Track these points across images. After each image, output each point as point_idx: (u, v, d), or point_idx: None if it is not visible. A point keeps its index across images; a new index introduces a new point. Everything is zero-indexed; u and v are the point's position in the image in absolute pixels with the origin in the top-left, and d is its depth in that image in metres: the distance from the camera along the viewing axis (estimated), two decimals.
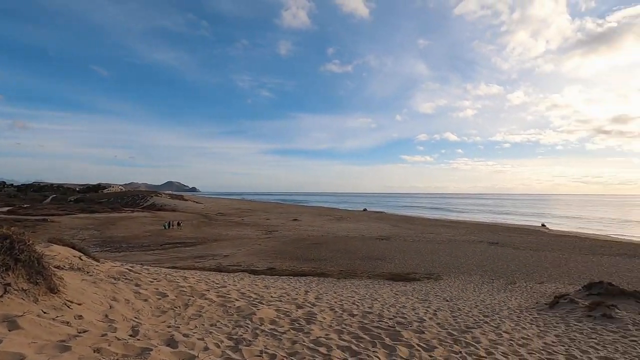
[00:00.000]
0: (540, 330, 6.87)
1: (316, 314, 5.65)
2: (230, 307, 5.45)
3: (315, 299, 7.88)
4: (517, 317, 8.39)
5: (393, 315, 6.68)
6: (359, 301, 8.67)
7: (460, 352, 4.44)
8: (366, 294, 11.05)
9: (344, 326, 5.05)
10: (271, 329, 4.62)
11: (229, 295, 6.18)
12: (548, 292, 15.13)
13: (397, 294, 11.78)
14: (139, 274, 6.43)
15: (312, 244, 32.76)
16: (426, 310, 8.16)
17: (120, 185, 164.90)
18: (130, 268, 6.78)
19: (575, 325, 7.56)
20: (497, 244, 35.70)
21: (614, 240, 40.81)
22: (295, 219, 61.03)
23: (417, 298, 11.15)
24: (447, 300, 11.04)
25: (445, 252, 30.22)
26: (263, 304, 6.03)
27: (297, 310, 5.80)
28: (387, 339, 4.60)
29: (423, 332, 5.31)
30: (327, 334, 4.63)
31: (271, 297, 6.99)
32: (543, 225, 62.42)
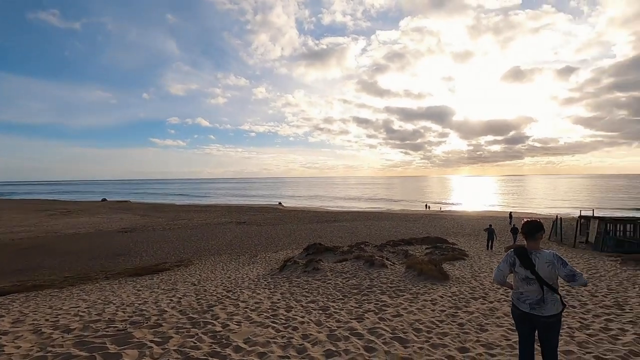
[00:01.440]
0: (271, 292, 8.05)
1: (3, 347, 4.11)
2: None
3: (12, 324, 5.81)
4: (255, 285, 9.49)
5: (128, 316, 5.91)
6: (86, 310, 7.16)
7: (197, 334, 4.45)
8: (99, 298, 9.31)
9: (49, 349, 3.92)
10: None
11: None
12: (281, 258, 18.03)
13: (140, 290, 10.65)
14: None
15: (21, 250, 24.53)
16: (170, 300, 7.79)
17: None
18: None
19: (296, 280, 9.40)
20: (244, 223, 39.55)
21: (323, 211, 54.53)
22: None
23: (163, 289, 10.50)
24: (195, 285, 11.06)
25: (197, 236, 30.39)
26: None
27: None
28: (113, 346, 3.96)
29: (161, 325, 4.97)
30: None
31: None
32: (280, 203, 74.78)
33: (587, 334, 4.57)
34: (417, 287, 7.46)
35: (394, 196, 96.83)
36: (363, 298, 6.64)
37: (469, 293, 7.06)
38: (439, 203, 70.53)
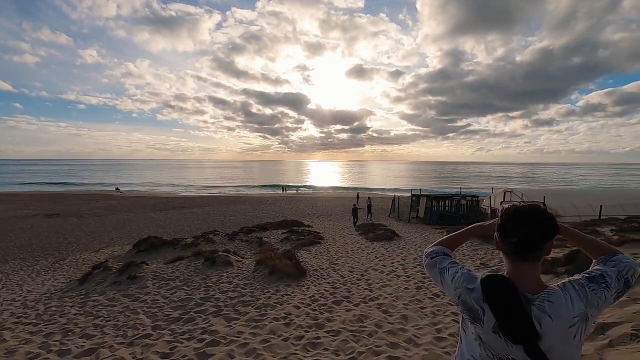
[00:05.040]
0: (33, 331, 4.85)
1: None
2: None
3: None
4: (18, 317, 5.92)
5: None
6: None
7: None
8: None
9: None
10: None
11: None
12: (100, 260, 13.80)
13: None
14: None
15: None
16: None
17: None
18: None
19: (94, 301, 6.28)
20: (57, 215, 30.49)
21: (172, 196, 48.13)
22: None
23: None
24: None
25: None
26: None
27: None
28: None
29: None
30: None
31: None
32: (117, 189, 62.90)
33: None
34: (267, 294, 5.63)
35: (251, 180, 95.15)
36: (184, 328, 4.34)
37: (330, 293, 5.67)
38: (295, 186, 72.67)
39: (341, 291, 5.81)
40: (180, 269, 7.97)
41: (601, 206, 20.51)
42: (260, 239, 14.80)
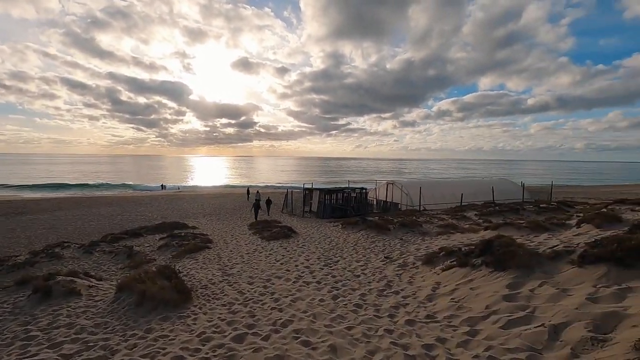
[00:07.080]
0: None
1: None
2: None
3: None
4: None
5: None
6: None
7: None
8: None
9: None
10: None
11: None
12: None
13: None
14: None
15: None
16: None
17: None
18: None
19: None
20: None
21: (3, 200, 37.26)
22: None
23: None
24: None
25: None
26: None
27: None
28: None
29: None
30: None
31: None
32: None
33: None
34: (131, 341, 3.80)
35: (122, 177, 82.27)
36: None
37: (228, 323, 4.19)
38: (176, 183, 65.72)
39: (242, 316, 4.39)
40: None
41: (462, 194, 23.80)
42: (130, 249, 11.90)
